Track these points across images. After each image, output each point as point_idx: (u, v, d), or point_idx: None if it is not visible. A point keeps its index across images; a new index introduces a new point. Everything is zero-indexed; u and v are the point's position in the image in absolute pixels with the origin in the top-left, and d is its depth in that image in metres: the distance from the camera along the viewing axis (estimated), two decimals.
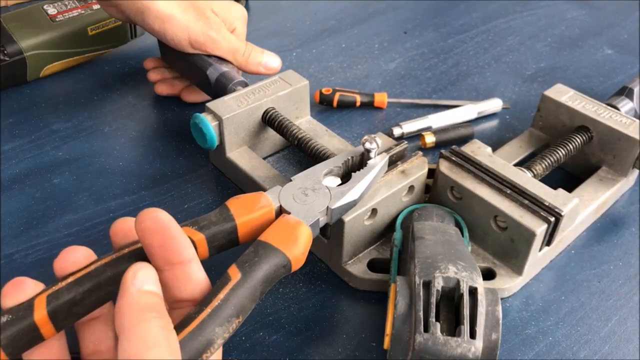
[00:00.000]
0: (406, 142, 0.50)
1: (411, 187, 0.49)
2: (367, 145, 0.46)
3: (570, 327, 0.46)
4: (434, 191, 0.51)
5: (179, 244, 0.33)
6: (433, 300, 0.37)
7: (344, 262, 0.48)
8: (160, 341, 0.28)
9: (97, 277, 0.33)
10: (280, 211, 0.40)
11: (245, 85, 0.59)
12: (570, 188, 0.51)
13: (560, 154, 0.53)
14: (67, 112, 0.66)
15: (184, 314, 0.33)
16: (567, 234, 0.51)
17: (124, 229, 0.35)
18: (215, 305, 0.32)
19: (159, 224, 0.32)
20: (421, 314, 0.36)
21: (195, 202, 0.55)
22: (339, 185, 0.44)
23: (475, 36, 0.81)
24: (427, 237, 0.42)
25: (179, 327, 0.31)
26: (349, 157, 0.47)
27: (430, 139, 0.61)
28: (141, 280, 0.30)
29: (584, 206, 0.52)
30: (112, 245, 0.35)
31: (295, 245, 0.37)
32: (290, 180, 0.43)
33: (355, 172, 0.45)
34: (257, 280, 0.34)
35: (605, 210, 0.55)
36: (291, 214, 0.40)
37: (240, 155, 0.55)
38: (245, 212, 0.38)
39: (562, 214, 0.45)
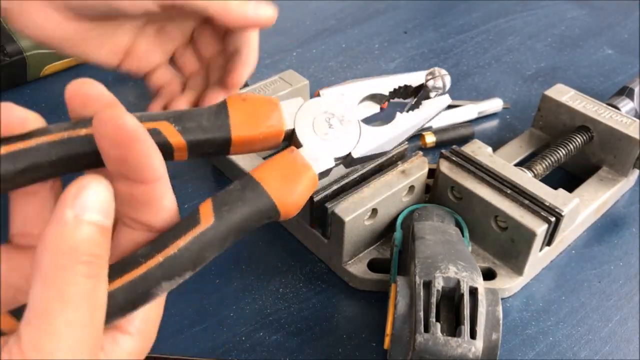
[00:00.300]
0: (406, 142, 0.50)
1: (411, 187, 0.49)
2: (431, 83, 0.36)
3: (571, 327, 0.46)
4: (434, 191, 0.51)
5: (146, 163, 0.25)
6: (433, 300, 0.37)
7: (344, 262, 0.48)
8: (80, 300, 0.22)
9: (36, 157, 0.25)
10: (292, 137, 0.33)
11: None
12: (570, 188, 0.51)
13: (561, 153, 0.53)
14: (67, 112, 0.65)
15: (138, 238, 0.27)
16: (567, 234, 0.51)
17: (84, 94, 0.27)
18: (170, 255, 0.25)
19: (122, 135, 0.24)
20: (421, 314, 0.36)
21: (196, 202, 0.55)
22: (374, 116, 0.36)
23: (476, 36, 0.81)
24: (427, 237, 0.42)
25: (117, 270, 0.25)
26: (403, 85, 0.37)
27: (430, 138, 0.61)
28: (83, 206, 0.23)
29: (584, 206, 0.52)
30: (68, 111, 0.28)
31: (291, 194, 0.30)
32: (319, 96, 0.35)
33: (405, 105, 0.37)
34: (232, 229, 0.28)
35: (606, 211, 0.55)
36: (303, 147, 0.32)
37: (241, 155, 0.55)
38: (247, 125, 0.31)
39: (563, 214, 0.45)
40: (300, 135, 0.32)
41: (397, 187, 0.47)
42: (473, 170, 0.48)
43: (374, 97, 0.36)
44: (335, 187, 0.46)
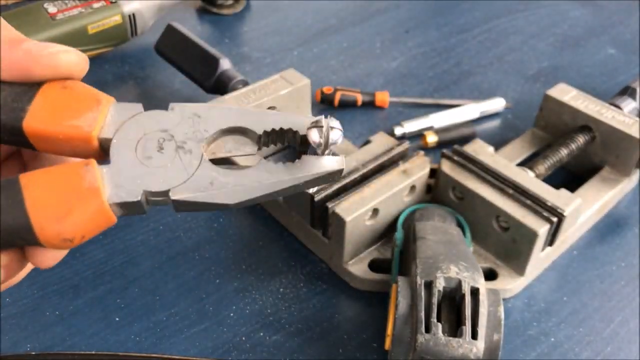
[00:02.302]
0: (408, 141, 0.50)
1: (413, 187, 0.49)
2: (312, 134, 0.25)
3: (573, 328, 0.46)
4: (435, 191, 0.51)
5: None
6: (434, 300, 0.36)
7: (344, 262, 0.47)
8: None
9: None
10: (101, 148, 0.25)
11: (246, 84, 0.58)
12: (572, 188, 0.51)
13: (563, 153, 0.53)
14: None
15: None
16: (569, 235, 0.50)
17: None
18: None
19: None
20: (422, 314, 0.36)
21: None
22: (244, 157, 0.26)
23: (478, 35, 0.81)
24: (428, 237, 0.42)
25: None
26: (287, 128, 0.26)
27: (432, 138, 0.61)
28: None
29: (586, 206, 0.51)
30: None
31: (59, 220, 0.22)
32: (172, 110, 0.26)
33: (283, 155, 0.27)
34: None
35: (608, 211, 0.55)
36: (109, 166, 0.24)
37: None
38: (48, 117, 0.24)
39: (565, 214, 0.44)
40: (114, 150, 0.24)
41: (399, 187, 0.47)
42: (475, 170, 0.48)
43: (244, 133, 0.26)
44: (336, 186, 0.46)
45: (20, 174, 0.23)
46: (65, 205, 0.22)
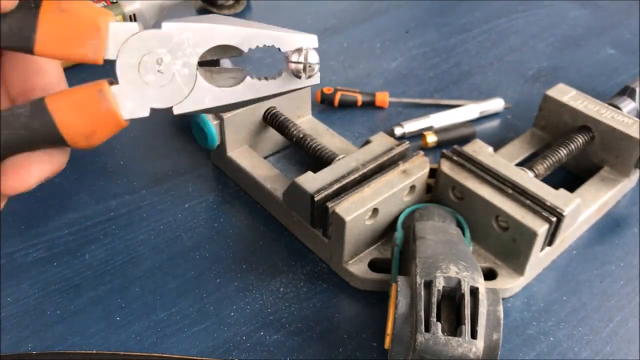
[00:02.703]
0: (408, 141, 0.50)
1: (412, 187, 0.49)
2: (293, 61, 0.30)
3: (572, 327, 0.46)
4: (435, 191, 0.51)
5: None
6: (434, 300, 0.36)
7: (344, 261, 0.48)
8: None
9: None
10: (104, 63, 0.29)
11: None
12: (572, 188, 0.51)
13: (562, 154, 0.53)
14: None
15: None
16: (568, 234, 0.51)
17: None
18: None
19: None
20: (422, 313, 0.36)
21: (196, 202, 0.55)
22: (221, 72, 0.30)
23: (477, 36, 0.81)
24: (428, 237, 0.42)
25: None
26: (270, 46, 0.30)
27: (431, 138, 0.61)
28: None
29: (585, 206, 0.51)
30: None
31: (86, 136, 0.28)
32: (165, 29, 0.28)
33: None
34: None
35: (607, 211, 0.55)
36: (118, 87, 0.28)
37: (241, 155, 0.55)
38: (56, 45, 0.27)
39: (564, 214, 0.45)
40: (120, 71, 0.28)
41: (398, 187, 0.47)
42: (474, 170, 0.48)
43: (231, 49, 0.29)
44: (336, 186, 0.46)
45: (45, 98, 0.27)
46: (90, 127, 0.27)
